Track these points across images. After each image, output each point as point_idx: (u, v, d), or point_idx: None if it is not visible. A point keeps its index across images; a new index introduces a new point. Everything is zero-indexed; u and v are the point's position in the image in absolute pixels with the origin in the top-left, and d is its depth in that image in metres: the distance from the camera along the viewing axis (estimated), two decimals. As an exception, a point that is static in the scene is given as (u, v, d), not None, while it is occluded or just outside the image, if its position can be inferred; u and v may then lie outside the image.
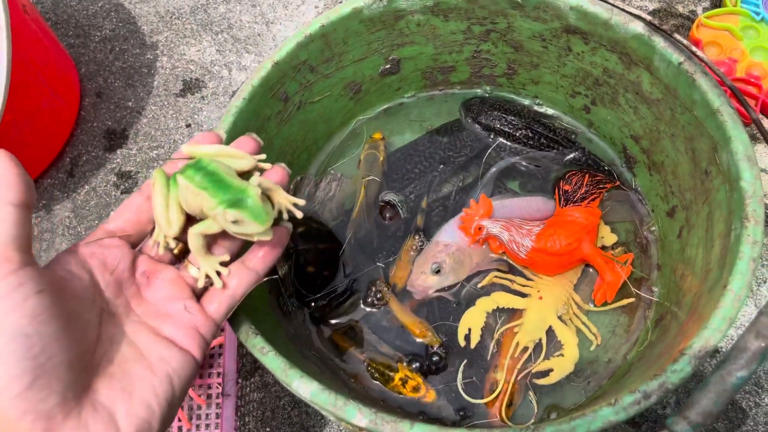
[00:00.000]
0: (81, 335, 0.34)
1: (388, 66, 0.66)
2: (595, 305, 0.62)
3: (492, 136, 0.68)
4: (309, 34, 0.58)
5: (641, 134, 0.60)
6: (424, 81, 0.70)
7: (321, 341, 0.62)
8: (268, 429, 0.68)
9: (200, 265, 0.41)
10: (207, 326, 0.40)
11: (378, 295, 0.63)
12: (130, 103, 0.90)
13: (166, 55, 0.94)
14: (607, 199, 0.65)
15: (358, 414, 0.42)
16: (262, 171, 0.43)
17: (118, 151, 0.87)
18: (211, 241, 0.42)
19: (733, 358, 0.39)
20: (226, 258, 0.42)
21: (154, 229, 0.42)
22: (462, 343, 0.60)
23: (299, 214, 0.42)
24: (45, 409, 0.30)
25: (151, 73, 0.92)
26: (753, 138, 0.71)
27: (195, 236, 0.40)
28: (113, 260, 0.39)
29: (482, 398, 0.58)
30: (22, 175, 0.33)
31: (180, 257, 0.43)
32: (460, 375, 0.59)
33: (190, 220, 0.42)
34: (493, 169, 0.68)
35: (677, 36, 0.50)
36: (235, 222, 0.37)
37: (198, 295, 0.42)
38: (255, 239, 0.39)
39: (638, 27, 0.52)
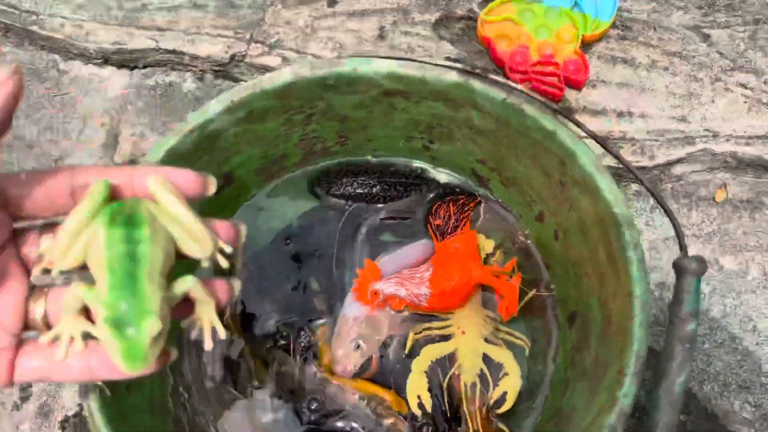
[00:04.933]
0: None
1: (222, 181, 0.62)
2: (503, 321, 0.64)
3: (350, 203, 0.67)
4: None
5: (486, 158, 0.62)
6: (260, 177, 0.66)
7: None
8: None
9: (60, 322, 0.32)
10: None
11: (305, 342, 0.62)
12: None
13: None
14: (474, 219, 0.67)
15: None
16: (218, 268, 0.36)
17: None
18: None
19: (669, 370, 0.42)
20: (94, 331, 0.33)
21: (49, 227, 0.33)
22: (418, 412, 0.60)
23: (209, 346, 0.34)
24: None
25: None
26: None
27: (74, 297, 0.31)
28: None
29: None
30: None
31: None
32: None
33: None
34: (363, 230, 0.67)
35: (493, 76, 0.52)
36: (105, 340, 0.30)
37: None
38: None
39: (453, 76, 0.53)
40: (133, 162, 0.79)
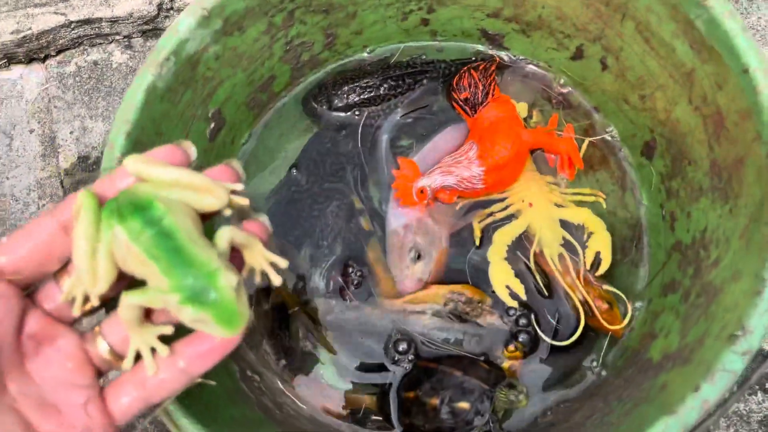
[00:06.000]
0: None
1: (213, 124, 0.51)
2: (569, 180, 0.57)
3: (358, 113, 0.58)
4: (123, 146, 0.41)
5: (500, 6, 0.54)
6: (252, 112, 0.56)
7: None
8: None
9: (131, 339, 0.30)
10: None
11: (357, 278, 0.54)
12: None
13: None
14: (500, 83, 0.59)
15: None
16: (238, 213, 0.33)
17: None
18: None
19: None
20: (169, 331, 0.30)
21: (62, 270, 0.31)
22: (512, 302, 0.53)
23: (278, 281, 0.31)
24: None
25: None
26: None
27: (130, 308, 0.29)
28: None
29: (576, 330, 0.52)
30: None
31: (89, 312, 0.32)
32: (545, 337, 0.52)
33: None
34: (384, 136, 0.58)
35: None
36: (194, 320, 0.28)
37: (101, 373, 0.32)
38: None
39: None
40: (86, 158, 0.67)
